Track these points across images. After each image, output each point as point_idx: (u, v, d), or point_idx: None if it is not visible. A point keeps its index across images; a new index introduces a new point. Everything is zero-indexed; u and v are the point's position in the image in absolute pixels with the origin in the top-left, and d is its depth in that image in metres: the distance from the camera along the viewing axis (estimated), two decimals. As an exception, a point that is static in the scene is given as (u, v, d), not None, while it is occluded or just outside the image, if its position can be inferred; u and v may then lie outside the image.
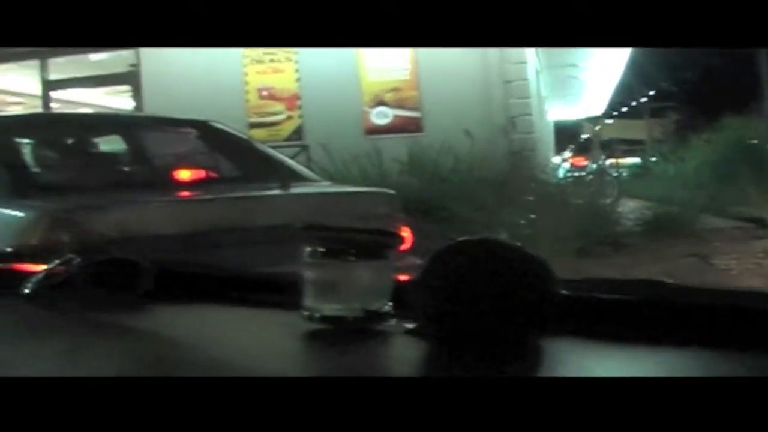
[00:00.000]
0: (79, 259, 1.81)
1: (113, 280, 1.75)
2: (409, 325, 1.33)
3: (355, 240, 1.37)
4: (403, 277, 1.38)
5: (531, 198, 9.39)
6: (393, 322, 1.36)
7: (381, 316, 1.36)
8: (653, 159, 26.11)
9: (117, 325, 1.61)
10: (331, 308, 1.35)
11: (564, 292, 1.29)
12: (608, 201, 12.13)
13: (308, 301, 1.36)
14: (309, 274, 1.37)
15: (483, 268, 1.22)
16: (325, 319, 1.35)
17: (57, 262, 1.83)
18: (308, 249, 1.37)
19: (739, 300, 1.32)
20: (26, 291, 1.78)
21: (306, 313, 1.37)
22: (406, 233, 5.42)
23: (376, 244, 1.37)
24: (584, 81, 25.06)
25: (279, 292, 1.56)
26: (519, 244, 1.28)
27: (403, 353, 1.32)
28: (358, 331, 1.35)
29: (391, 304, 1.37)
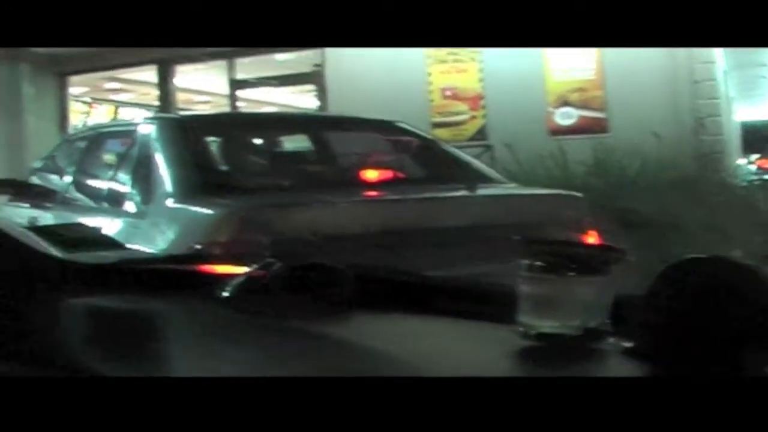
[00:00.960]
0: (278, 264, 1.78)
1: (312, 286, 1.72)
2: (628, 344, 1.26)
3: (577, 254, 1.30)
4: (624, 294, 1.30)
5: (719, 201, 9.14)
6: (611, 340, 1.29)
7: (600, 335, 1.28)
8: None
9: (314, 333, 1.57)
10: (548, 325, 1.28)
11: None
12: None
13: (524, 316, 1.30)
14: (526, 289, 1.30)
15: (714, 289, 1.14)
16: (541, 336, 1.28)
17: (257, 266, 1.80)
18: (525, 263, 1.30)
19: None
20: (225, 294, 1.76)
21: (521, 329, 1.30)
22: (593, 237, 5.31)
23: (596, 259, 1.30)
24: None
25: (486, 303, 1.49)
26: (754, 264, 1.18)
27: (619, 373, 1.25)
28: (574, 349, 1.28)
29: (609, 321, 1.29)
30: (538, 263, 1.29)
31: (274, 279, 1.73)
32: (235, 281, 1.77)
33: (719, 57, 13.80)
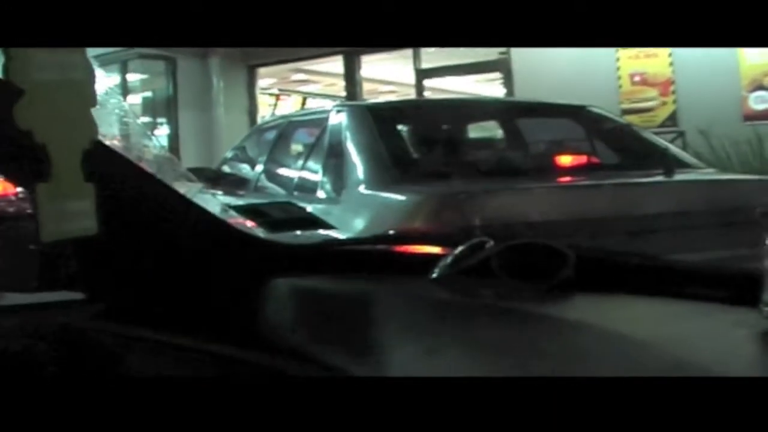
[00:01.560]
0: (491, 243, 1.72)
1: (528, 266, 1.64)
2: None
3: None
4: None
5: None
6: None
7: None
8: None
9: (532, 315, 1.50)
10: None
11: None
12: None
13: (768, 295, 1.20)
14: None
15: None
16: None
17: (466, 245, 1.74)
18: (769, 240, 1.20)
19: None
20: (434, 275, 1.71)
21: (766, 308, 1.20)
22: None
23: None
24: None
25: (720, 286, 1.40)
26: None
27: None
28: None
29: None
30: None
31: (487, 258, 1.67)
32: (444, 261, 1.72)
33: None
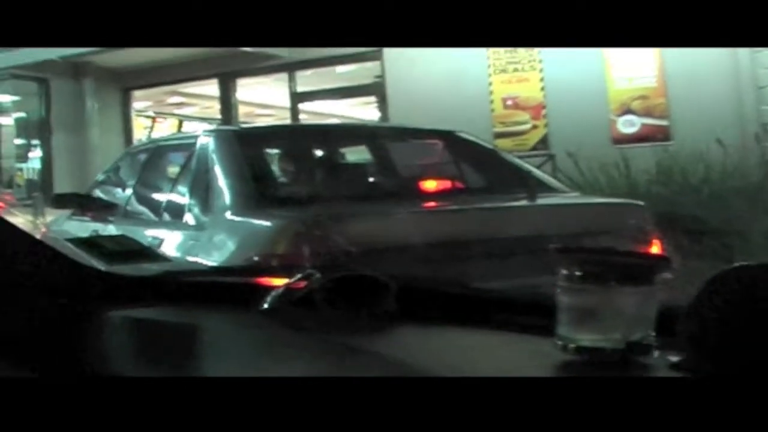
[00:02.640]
0: (319, 275, 1.75)
1: (353, 297, 1.68)
2: (675, 359, 1.20)
3: (618, 263, 1.24)
4: (670, 305, 1.24)
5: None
6: (656, 354, 1.23)
7: (644, 348, 1.23)
8: None
9: (354, 345, 1.53)
10: (588, 338, 1.22)
11: None
12: None
13: (563, 329, 1.25)
14: (565, 300, 1.25)
15: (760, 299, 1.08)
16: (581, 349, 1.23)
17: (297, 277, 1.77)
18: (564, 272, 1.25)
19: None
20: (265, 306, 1.74)
21: (559, 342, 1.25)
22: (656, 247, 5.24)
23: (641, 268, 1.24)
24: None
25: (528, 314, 1.45)
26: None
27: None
28: (617, 364, 1.22)
29: (654, 334, 1.24)
30: (577, 273, 1.24)
31: (315, 290, 1.70)
32: (275, 293, 1.74)
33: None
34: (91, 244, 2.28)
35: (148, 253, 2.38)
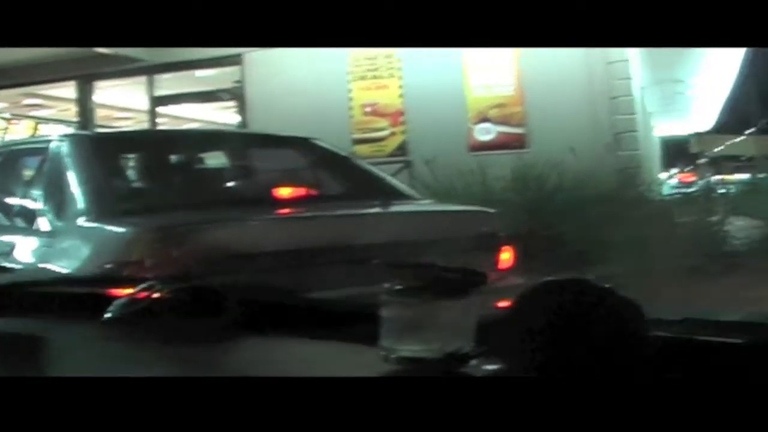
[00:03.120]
0: (161, 286, 1.78)
1: (195, 309, 1.72)
2: (492, 367, 1.28)
3: (437, 277, 1.31)
4: (487, 317, 1.31)
5: (636, 216, 9.23)
6: (474, 363, 1.31)
7: (461, 358, 1.30)
8: (762, 176, 25.57)
9: (192, 356, 1.57)
10: (409, 349, 1.29)
11: (661, 333, 1.22)
12: (716, 219, 11.91)
13: (385, 340, 1.31)
14: (387, 312, 1.31)
15: (571, 310, 1.16)
16: (402, 360, 1.30)
17: (141, 287, 1.80)
18: (386, 285, 1.32)
19: None
20: (107, 316, 1.76)
21: (382, 352, 1.32)
22: (508, 253, 5.37)
23: (459, 282, 1.31)
24: (691, 96, 24.68)
25: (365, 323, 1.50)
26: (609, 285, 1.21)
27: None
28: (436, 373, 1.29)
29: (473, 344, 1.31)
30: (398, 286, 1.30)
31: (156, 301, 1.73)
32: (118, 303, 1.77)
33: (637, 73, 14.00)
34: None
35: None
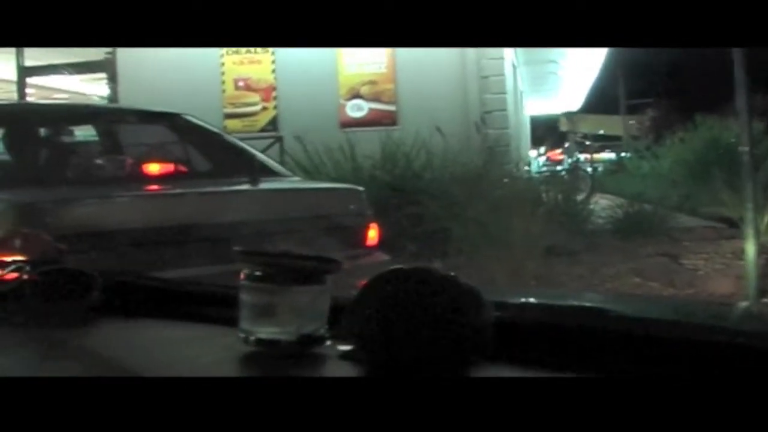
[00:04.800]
0: (27, 267, 1.81)
1: (62, 291, 1.75)
2: (344, 348, 1.35)
3: (292, 265, 1.38)
4: (341, 300, 1.38)
5: (501, 194, 9.35)
6: (328, 344, 1.38)
7: (316, 340, 1.38)
8: (628, 155, 26.14)
9: (60, 337, 1.61)
10: (266, 331, 1.36)
11: (500, 315, 1.30)
12: (581, 197, 12.17)
13: (244, 323, 1.38)
14: (245, 298, 1.39)
15: (414, 297, 1.24)
16: (260, 342, 1.37)
17: (7, 269, 1.82)
18: (245, 272, 1.39)
19: (685, 331, 1.31)
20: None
21: (242, 335, 1.39)
22: (374, 230, 5.45)
23: (313, 270, 1.39)
24: (562, 76, 25.05)
25: (226, 307, 1.56)
26: (452, 273, 1.29)
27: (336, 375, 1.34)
28: (293, 354, 1.37)
29: (326, 327, 1.39)
30: (256, 273, 1.38)
31: (22, 283, 1.76)
32: (-17, 285, 1.79)
33: (509, 53, 14.18)
34: None
35: None
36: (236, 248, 1.39)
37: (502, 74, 12.89)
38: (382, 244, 5.56)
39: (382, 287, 1.27)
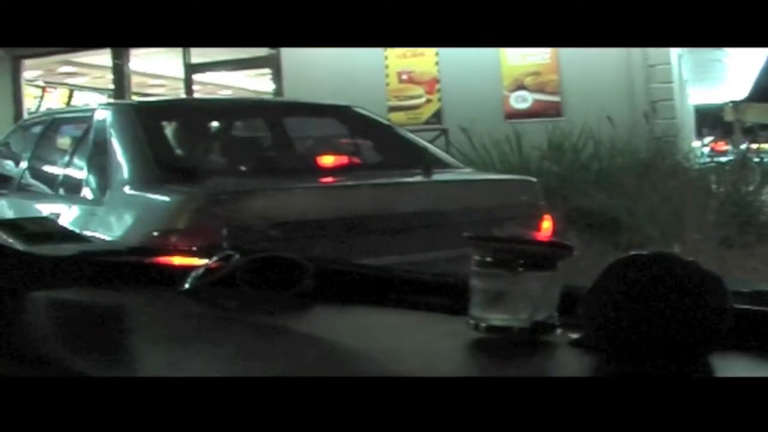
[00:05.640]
0: (237, 256, 1.82)
1: (272, 278, 1.75)
2: (575, 336, 1.31)
3: (524, 250, 1.35)
4: (572, 287, 1.35)
5: (672, 185, 9.18)
6: (559, 332, 1.35)
7: (547, 327, 1.34)
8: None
9: (274, 326, 1.60)
10: (498, 318, 1.33)
11: (739, 306, 1.25)
12: (750, 188, 11.85)
13: (475, 310, 1.36)
14: (476, 284, 1.36)
15: (655, 284, 1.20)
16: (491, 329, 1.34)
17: (216, 258, 1.83)
18: (476, 258, 1.36)
19: None
20: (186, 287, 1.79)
21: (472, 321, 1.36)
22: (548, 222, 5.39)
23: (545, 255, 1.35)
24: (727, 64, 24.46)
25: (442, 295, 1.54)
26: (693, 259, 1.24)
27: (568, 364, 1.31)
28: (524, 341, 1.33)
29: (557, 314, 1.35)
30: (488, 259, 1.34)
31: (234, 271, 1.77)
32: (195, 273, 1.80)
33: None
34: (3, 224, 2.30)
35: (63, 231, 2.40)
36: (466, 234, 1.36)
37: (669, 63, 12.62)
38: (555, 236, 5.50)
39: (624, 273, 1.23)
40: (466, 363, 1.36)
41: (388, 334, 1.51)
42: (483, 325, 1.35)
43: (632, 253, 1.25)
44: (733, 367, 1.19)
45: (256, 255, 1.80)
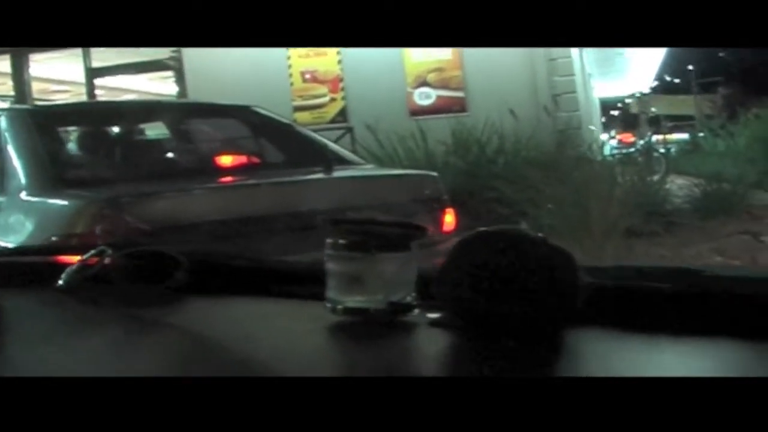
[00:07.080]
0: (111, 251, 1.82)
1: (146, 273, 1.76)
2: (433, 316, 1.34)
3: (378, 232, 1.37)
4: (427, 268, 1.37)
5: (577, 176, 9.28)
6: (416, 312, 1.37)
7: (404, 308, 1.36)
8: (702, 135, 25.78)
9: (149, 320, 1.61)
10: (354, 300, 1.35)
11: (592, 280, 1.27)
12: (656, 178, 12.03)
13: (331, 293, 1.38)
14: (331, 267, 1.38)
15: (502, 260, 1.22)
16: (348, 311, 1.36)
17: (90, 253, 1.83)
18: (330, 241, 1.38)
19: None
20: (60, 283, 1.79)
21: (329, 305, 1.38)
22: (451, 215, 5.43)
23: (399, 236, 1.37)
24: (630, 57, 24.78)
25: (311, 283, 1.55)
26: (541, 234, 1.27)
27: (425, 345, 1.33)
28: (381, 322, 1.36)
29: (414, 295, 1.37)
30: (342, 241, 1.36)
31: (107, 266, 1.77)
32: (70, 270, 1.80)
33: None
34: None
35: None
36: (322, 217, 1.38)
37: (570, 56, 12.77)
38: (459, 229, 5.54)
39: (468, 251, 1.25)
40: (326, 346, 1.37)
41: (254, 322, 1.53)
42: (340, 307, 1.36)
43: (479, 229, 1.27)
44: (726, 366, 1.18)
45: (128, 249, 1.81)
